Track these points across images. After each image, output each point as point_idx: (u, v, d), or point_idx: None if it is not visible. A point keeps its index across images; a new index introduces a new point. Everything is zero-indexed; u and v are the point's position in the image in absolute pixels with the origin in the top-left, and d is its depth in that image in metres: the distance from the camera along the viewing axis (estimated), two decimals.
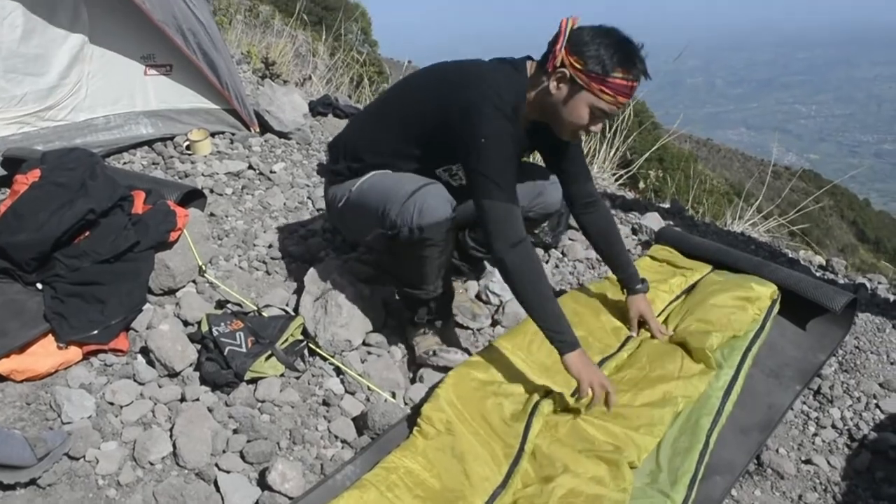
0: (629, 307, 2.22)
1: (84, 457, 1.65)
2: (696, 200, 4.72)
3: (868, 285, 2.96)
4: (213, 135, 3.47)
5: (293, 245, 2.67)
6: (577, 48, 1.72)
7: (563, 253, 2.94)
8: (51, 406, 1.79)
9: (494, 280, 2.48)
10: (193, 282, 2.33)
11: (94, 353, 1.98)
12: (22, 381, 1.85)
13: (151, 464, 1.67)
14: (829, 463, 1.91)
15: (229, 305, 2.20)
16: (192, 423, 1.73)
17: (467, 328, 2.32)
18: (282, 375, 1.98)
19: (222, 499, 1.59)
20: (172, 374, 1.94)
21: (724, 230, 3.73)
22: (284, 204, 3.04)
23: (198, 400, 1.87)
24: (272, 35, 6.83)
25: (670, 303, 2.39)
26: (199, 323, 2.06)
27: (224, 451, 1.73)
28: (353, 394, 1.98)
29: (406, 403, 1.97)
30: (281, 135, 3.68)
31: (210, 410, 1.82)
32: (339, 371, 2.05)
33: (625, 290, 2.24)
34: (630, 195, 4.16)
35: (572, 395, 1.82)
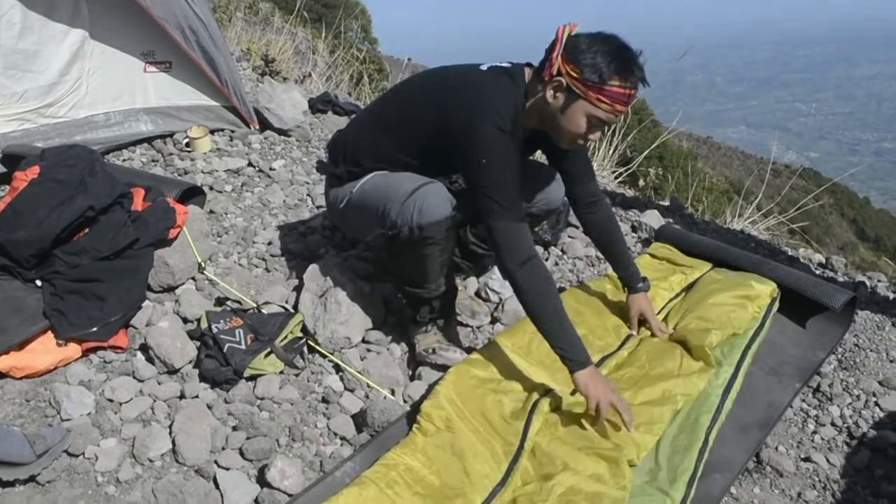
0: (630, 305, 2.22)
1: (83, 454, 1.65)
2: (695, 198, 4.72)
3: (868, 283, 2.97)
4: (212, 132, 3.47)
5: (293, 242, 2.67)
6: (573, 56, 1.69)
7: (562, 250, 2.94)
8: (50, 403, 1.79)
9: (494, 277, 2.47)
10: (193, 279, 2.33)
11: (94, 350, 1.97)
12: (21, 378, 1.85)
13: (151, 461, 1.67)
14: (828, 461, 1.91)
15: (229, 302, 2.20)
16: (192, 420, 1.73)
17: (467, 326, 2.32)
18: (281, 372, 1.98)
19: (221, 496, 1.59)
20: (172, 371, 1.94)
21: (724, 228, 3.74)
22: (284, 201, 3.04)
23: (197, 397, 1.87)
24: (272, 32, 6.83)
25: (670, 300, 2.40)
26: (198, 320, 2.06)
27: (223, 448, 1.73)
28: (352, 391, 1.98)
29: (405, 401, 1.97)
30: (281, 132, 3.67)
31: (209, 407, 1.83)
32: (338, 368, 2.05)
33: (626, 289, 2.25)
34: (630, 193, 4.16)
35: (572, 393, 1.81)
